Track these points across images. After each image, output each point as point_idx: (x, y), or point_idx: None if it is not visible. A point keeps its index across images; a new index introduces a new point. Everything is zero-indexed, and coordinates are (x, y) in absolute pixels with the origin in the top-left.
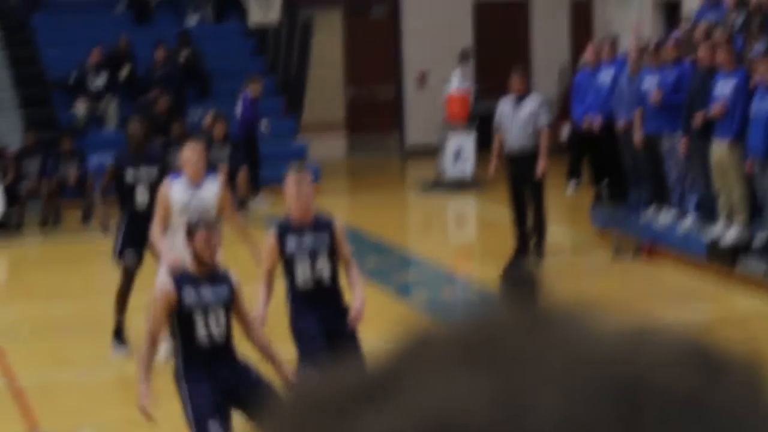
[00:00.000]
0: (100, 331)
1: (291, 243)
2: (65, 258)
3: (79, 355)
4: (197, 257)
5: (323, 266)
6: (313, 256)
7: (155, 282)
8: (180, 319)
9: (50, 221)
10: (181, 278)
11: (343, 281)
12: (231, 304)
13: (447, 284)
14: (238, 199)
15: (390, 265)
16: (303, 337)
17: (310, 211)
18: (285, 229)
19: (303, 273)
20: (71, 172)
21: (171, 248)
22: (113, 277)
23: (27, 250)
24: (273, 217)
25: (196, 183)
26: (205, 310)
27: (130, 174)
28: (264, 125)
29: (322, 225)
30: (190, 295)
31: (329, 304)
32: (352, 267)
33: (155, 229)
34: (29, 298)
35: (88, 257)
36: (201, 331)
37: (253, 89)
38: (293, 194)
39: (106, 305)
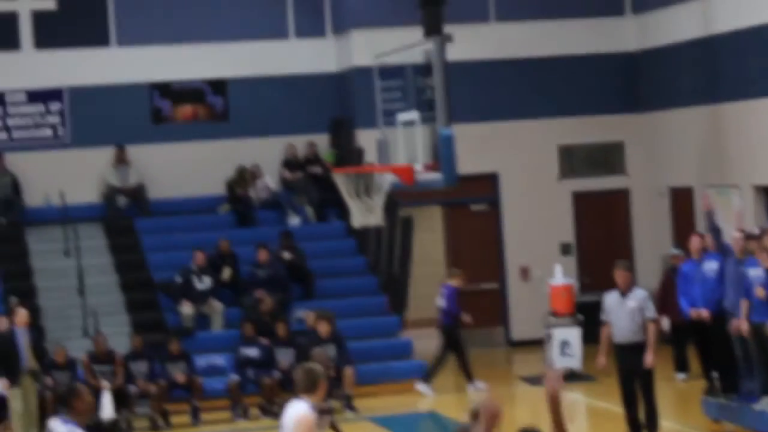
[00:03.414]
0: None
1: None
2: None
3: None
4: None
5: None
6: None
7: None
8: None
9: (160, 424)
10: None
11: None
12: None
13: None
14: (345, 397)
15: None
16: None
17: None
18: None
19: None
20: (179, 374)
21: None
22: None
23: None
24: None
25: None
26: None
27: None
28: (466, 317)
29: None
30: None
31: None
32: None
33: None
34: None
35: None
36: None
37: (457, 281)
38: None
39: None
